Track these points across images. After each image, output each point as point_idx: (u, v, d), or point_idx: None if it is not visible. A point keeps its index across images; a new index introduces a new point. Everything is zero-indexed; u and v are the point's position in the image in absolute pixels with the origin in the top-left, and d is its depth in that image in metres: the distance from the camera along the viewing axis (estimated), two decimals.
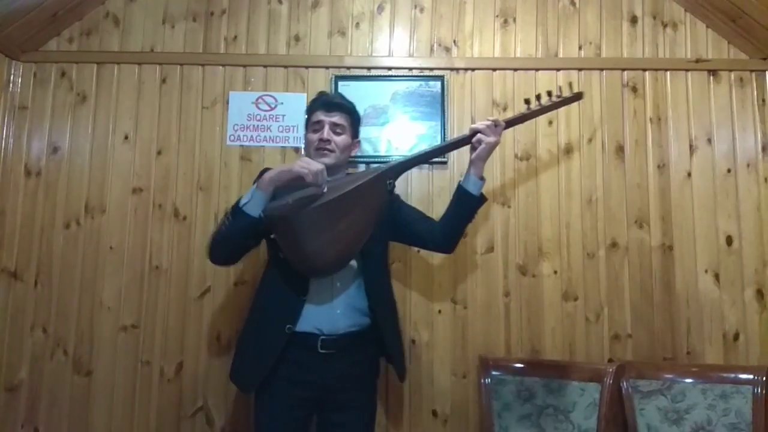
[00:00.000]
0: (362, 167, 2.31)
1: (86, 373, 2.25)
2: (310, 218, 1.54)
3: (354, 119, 1.89)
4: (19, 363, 2.26)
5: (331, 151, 1.79)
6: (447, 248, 1.93)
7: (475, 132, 1.78)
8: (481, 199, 1.82)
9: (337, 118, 1.82)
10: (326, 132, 1.79)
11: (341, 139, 1.82)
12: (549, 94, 1.93)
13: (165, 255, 2.30)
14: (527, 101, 1.91)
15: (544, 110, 1.95)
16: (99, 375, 2.25)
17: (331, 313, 1.70)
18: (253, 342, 1.76)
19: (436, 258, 2.27)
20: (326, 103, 1.85)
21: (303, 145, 2.02)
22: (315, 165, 1.59)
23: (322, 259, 1.58)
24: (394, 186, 1.77)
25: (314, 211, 1.55)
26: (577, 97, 2.04)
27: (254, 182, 1.79)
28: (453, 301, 2.29)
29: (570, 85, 1.99)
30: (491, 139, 1.76)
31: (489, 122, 1.78)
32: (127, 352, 2.26)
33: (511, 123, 1.89)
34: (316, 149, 1.79)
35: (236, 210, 1.62)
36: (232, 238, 1.68)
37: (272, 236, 1.65)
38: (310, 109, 1.88)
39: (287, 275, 1.68)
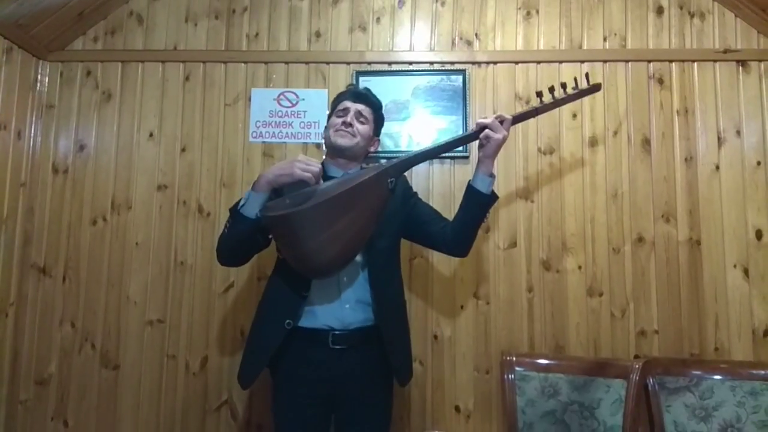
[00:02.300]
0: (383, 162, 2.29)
1: (114, 366, 2.30)
2: (307, 217, 1.50)
3: (377, 116, 1.89)
4: (48, 357, 2.31)
5: (352, 135, 1.78)
6: (459, 251, 1.84)
7: (482, 128, 1.69)
8: (492, 197, 1.74)
9: (362, 108, 1.82)
10: (350, 116, 1.79)
11: (363, 128, 1.81)
12: (563, 86, 1.80)
13: (189, 251, 2.33)
14: (539, 94, 1.79)
15: (557, 104, 1.82)
16: (126, 369, 2.29)
17: (340, 308, 1.69)
18: (253, 338, 1.77)
19: None
20: (355, 93, 1.87)
21: (323, 134, 1.94)
22: (314, 166, 1.58)
23: (320, 258, 1.54)
24: (395, 184, 1.69)
25: (311, 210, 1.51)
26: (595, 88, 1.89)
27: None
28: (476, 296, 2.28)
29: (587, 75, 1.89)
30: (499, 135, 1.67)
31: (490, 119, 1.69)
32: (153, 346, 2.30)
33: (520, 118, 1.78)
34: (338, 130, 1.78)
35: (234, 212, 1.62)
36: (233, 240, 1.67)
37: (270, 237, 1.64)
38: (337, 99, 1.88)
39: (291, 272, 1.66)
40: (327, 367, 1.68)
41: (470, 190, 1.73)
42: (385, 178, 1.64)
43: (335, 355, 1.67)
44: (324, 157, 1.90)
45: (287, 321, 1.66)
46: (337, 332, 1.68)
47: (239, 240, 1.67)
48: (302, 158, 1.60)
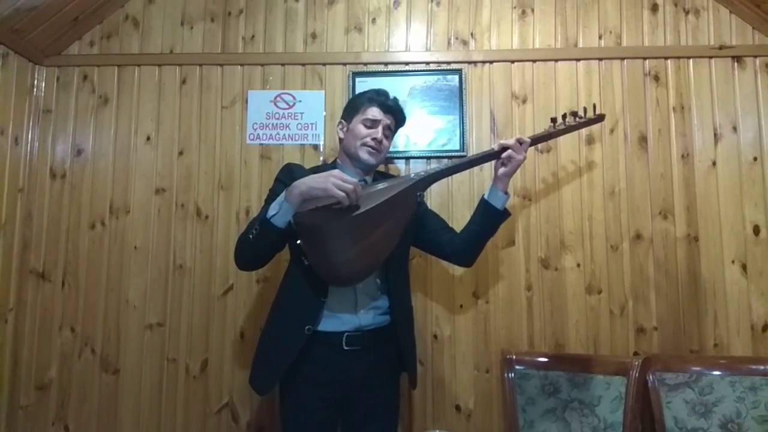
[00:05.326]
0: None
1: (114, 371, 2.29)
2: (343, 229, 1.47)
3: (397, 129, 1.91)
4: (48, 362, 2.31)
5: (380, 152, 1.79)
6: (467, 262, 1.92)
7: (504, 148, 1.76)
8: (506, 214, 1.81)
9: (390, 121, 1.83)
10: (381, 134, 1.78)
11: (388, 143, 1.83)
12: (574, 114, 1.94)
13: (188, 254, 2.33)
14: (553, 120, 1.91)
15: (567, 130, 1.96)
16: (126, 373, 2.29)
17: (355, 312, 1.71)
18: (272, 343, 1.75)
19: None
20: (385, 105, 1.82)
21: (339, 131, 1.87)
22: (349, 185, 1.46)
23: (350, 270, 1.52)
24: (423, 197, 1.77)
25: (347, 222, 1.47)
26: (600, 118, 2.05)
27: (276, 178, 1.79)
28: (475, 295, 2.28)
29: (594, 106, 2.02)
30: (521, 156, 1.75)
31: (514, 140, 1.77)
32: (153, 350, 2.30)
33: (536, 141, 1.87)
34: (366, 145, 1.76)
35: (264, 221, 1.56)
36: (259, 247, 1.63)
37: (298, 242, 1.59)
38: (364, 102, 1.82)
39: (308, 277, 1.65)
40: (340, 368, 1.68)
41: (485, 206, 1.79)
42: (415, 191, 1.67)
43: (348, 356, 1.68)
44: (338, 161, 1.89)
45: (307, 327, 1.65)
46: (350, 333, 1.68)
47: (264, 247, 1.63)
48: (338, 174, 1.49)
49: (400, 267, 1.83)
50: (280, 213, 1.54)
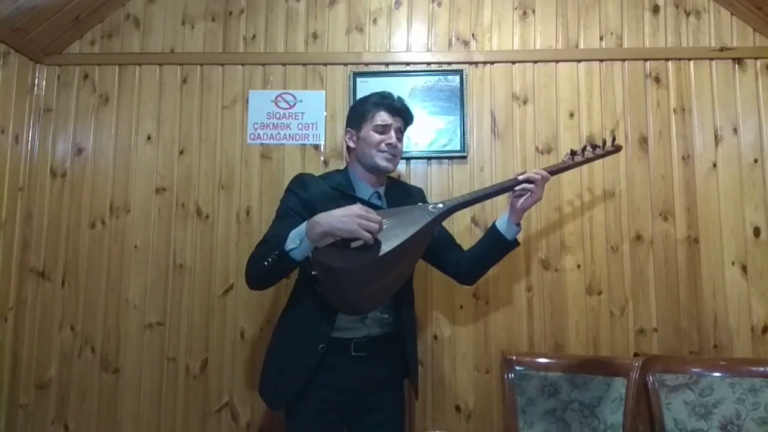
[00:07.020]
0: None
1: (114, 370, 2.29)
2: (363, 273, 1.44)
3: (406, 128, 1.87)
4: (48, 361, 2.31)
5: (396, 156, 1.77)
6: (469, 282, 1.93)
7: (526, 180, 1.71)
8: (515, 244, 1.79)
9: (400, 123, 1.80)
10: (394, 138, 1.75)
11: (401, 146, 1.81)
12: (593, 147, 1.90)
13: (188, 253, 2.33)
14: (573, 152, 1.87)
15: (586, 161, 1.92)
16: (126, 372, 2.29)
17: (363, 323, 1.72)
18: (283, 359, 1.73)
19: None
20: (393, 107, 1.79)
21: (349, 140, 1.83)
22: (374, 223, 1.42)
23: (364, 306, 1.54)
24: (439, 230, 1.78)
25: (367, 266, 1.43)
26: (617, 149, 1.99)
27: (287, 188, 1.75)
28: (475, 296, 2.28)
29: (614, 137, 2.00)
30: (540, 191, 1.72)
31: (538, 175, 1.72)
32: (153, 349, 2.30)
33: (553, 173, 1.82)
34: (382, 151, 1.74)
35: (282, 253, 1.50)
36: (274, 275, 1.60)
37: (313, 273, 1.55)
38: (371, 108, 1.78)
39: (319, 298, 1.63)
40: (347, 374, 1.69)
41: (496, 235, 1.77)
42: (434, 226, 1.64)
43: (355, 362, 1.69)
44: (349, 168, 1.86)
45: (321, 346, 1.65)
46: (359, 340, 1.70)
47: (281, 274, 1.61)
48: (362, 213, 1.43)
49: (407, 284, 1.81)
50: (300, 248, 1.50)
